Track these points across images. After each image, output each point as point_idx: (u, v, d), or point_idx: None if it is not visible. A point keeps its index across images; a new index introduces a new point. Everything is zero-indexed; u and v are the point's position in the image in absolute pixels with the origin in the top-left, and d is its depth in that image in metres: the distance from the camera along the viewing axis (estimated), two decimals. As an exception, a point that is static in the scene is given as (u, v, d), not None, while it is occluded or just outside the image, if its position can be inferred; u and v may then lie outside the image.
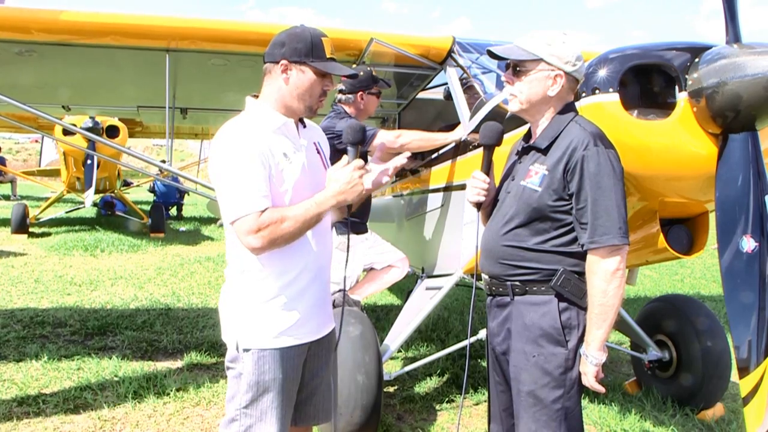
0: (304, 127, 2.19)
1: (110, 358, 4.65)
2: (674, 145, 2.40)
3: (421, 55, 4.21)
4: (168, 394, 4.01)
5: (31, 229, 11.88)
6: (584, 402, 3.90)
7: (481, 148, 2.34)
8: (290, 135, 2.08)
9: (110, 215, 14.90)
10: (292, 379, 2.09)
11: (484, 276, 2.31)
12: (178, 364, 4.66)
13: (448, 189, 4.04)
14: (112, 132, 11.18)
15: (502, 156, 2.40)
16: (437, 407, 3.97)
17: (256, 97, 2.12)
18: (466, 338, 2.73)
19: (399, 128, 5.29)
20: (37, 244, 10.72)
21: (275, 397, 2.02)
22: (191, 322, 5.84)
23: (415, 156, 4.63)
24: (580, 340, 2.09)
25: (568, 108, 2.19)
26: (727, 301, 2.24)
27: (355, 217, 3.84)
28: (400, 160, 2.25)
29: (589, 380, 2.07)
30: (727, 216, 2.24)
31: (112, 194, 14.09)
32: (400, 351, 4.94)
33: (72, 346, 4.99)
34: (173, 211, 16.61)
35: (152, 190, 16.19)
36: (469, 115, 3.86)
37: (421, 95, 5.20)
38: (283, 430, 2.05)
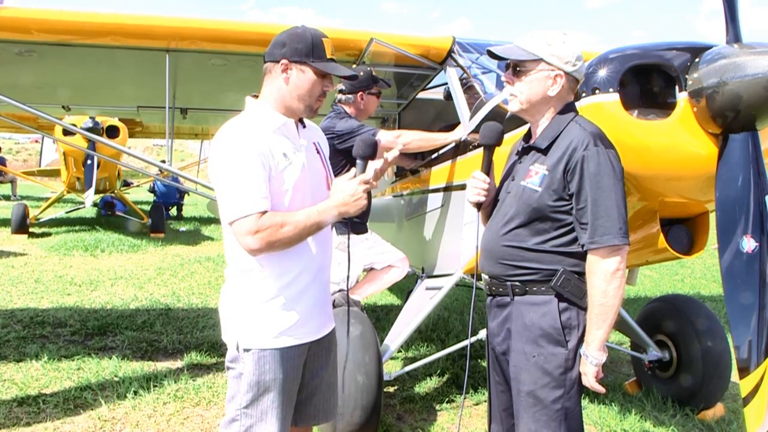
0: (304, 127, 2.19)
1: (110, 359, 4.65)
2: (674, 145, 2.40)
3: (421, 55, 4.21)
4: (168, 394, 4.01)
5: (31, 230, 11.88)
6: (584, 402, 3.90)
7: (481, 148, 2.34)
8: (290, 135, 2.08)
9: (110, 215, 14.90)
10: (293, 379, 2.08)
11: (484, 276, 2.31)
12: (178, 364, 4.66)
13: (448, 189, 4.04)
14: (112, 132, 11.18)
15: (502, 156, 2.40)
16: (437, 407, 3.97)
17: (256, 97, 2.12)
18: (466, 338, 2.73)
19: (399, 128, 5.29)
20: (38, 245, 10.72)
21: (276, 397, 2.02)
22: (191, 322, 5.84)
23: (415, 156, 4.63)
24: (580, 340, 2.09)
25: (568, 108, 2.19)
26: (728, 301, 2.24)
27: (355, 218, 3.85)
28: (393, 154, 2.25)
29: (589, 380, 2.07)
30: (728, 216, 2.23)
31: (112, 194, 14.09)
32: (400, 351, 4.94)
33: (72, 346, 4.99)
34: (173, 212, 16.61)
35: (152, 191, 16.19)
36: (469, 115, 3.86)
37: (421, 95, 5.20)
38: (283, 430, 2.05)
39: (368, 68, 3.97)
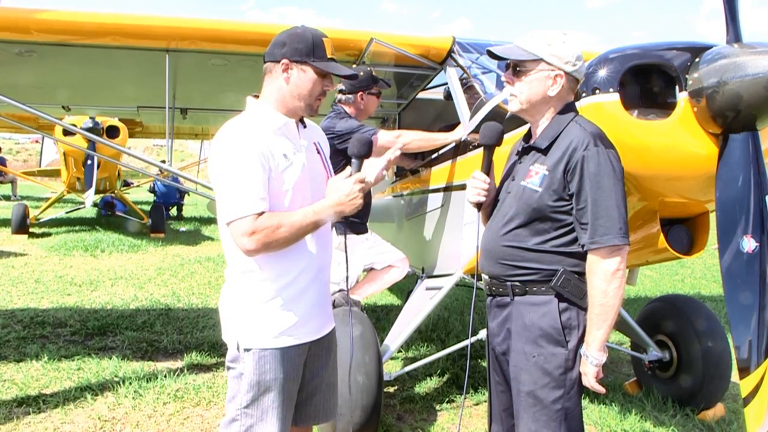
0: (305, 127, 2.19)
1: (110, 359, 4.65)
2: (674, 145, 2.40)
3: (421, 55, 4.21)
4: (168, 394, 4.01)
5: (31, 230, 11.88)
6: (584, 402, 3.89)
7: (481, 148, 2.34)
8: (290, 135, 2.08)
9: (110, 215, 14.90)
10: (293, 378, 2.09)
11: (484, 276, 2.31)
12: (178, 364, 4.66)
13: (448, 189, 4.04)
14: (112, 132, 11.18)
15: (502, 156, 2.40)
16: (437, 407, 3.97)
17: (257, 97, 2.12)
18: (467, 338, 2.73)
19: (399, 128, 5.29)
20: (38, 245, 10.72)
21: (276, 397, 2.02)
22: (191, 322, 5.84)
23: (416, 156, 4.63)
24: (580, 340, 2.09)
25: (569, 108, 2.18)
26: (728, 302, 2.23)
27: (355, 218, 3.83)
28: (393, 153, 2.24)
29: (590, 381, 2.07)
30: (728, 216, 2.23)
31: (113, 194, 14.09)
32: (400, 351, 4.94)
33: (72, 346, 4.99)
34: (173, 212, 16.62)
35: (152, 191, 16.19)
36: (469, 115, 3.86)
37: (421, 95, 5.20)
38: (283, 430, 2.05)
39: (368, 68, 3.97)
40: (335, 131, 3.66)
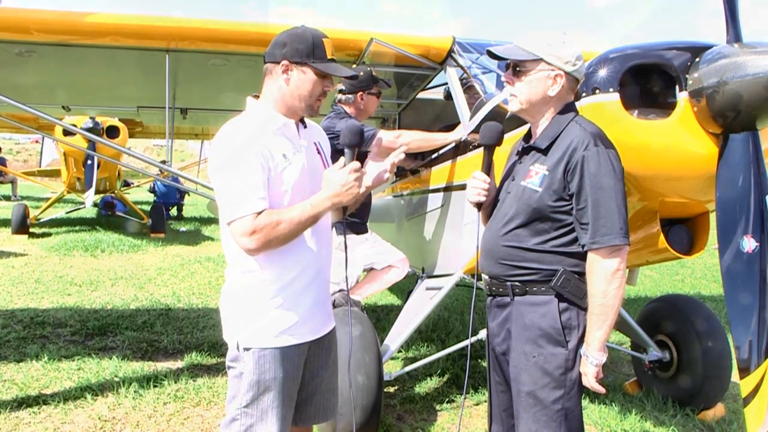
0: (305, 127, 2.19)
1: (110, 359, 4.65)
2: (674, 145, 2.39)
3: (421, 55, 4.21)
4: (168, 394, 4.01)
5: (31, 230, 11.89)
6: (585, 402, 3.89)
7: (481, 148, 2.34)
8: (290, 136, 2.08)
9: (110, 216, 14.91)
10: (293, 378, 2.09)
11: (484, 276, 2.31)
12: (179, 364, 4.66)
13: (448, 189, 4.04)
14: (112, 132, 11.18)
15: (502, 156, 2.40)
16: (437, 407, 3.97)
17: (257, 97, 2.13)
18: (467, 338, 2.73)
19: (399, 128, 5.29)
20: (38, 245, 10.72)
21: (276, 397, 2.03)
22: (191, 322, 5.84)
23: (416, 156, 4.63)
24: (581, 340, 2.09)
25: (569, 108, 2.18)
26: (728, 302, 2.23)
27: (355, 218, 3.85)
28: (398, 156, 2.25)
29: (590, 381, 2.07)
30: (728, 216, 2.23)
31: (113, 195, 14.10)
32: (401, 351, 4.94)
33: (72, 346, 4.99)
34: (173, 212, 16.62)
35: (152, 191, 16.19)
36: (469, 115, 3.86)
37: (421, 95, 5.19)
38: (283, 429, 2.05)
39: (368, 68, 3.97)
40: (335, 131, 3.66)
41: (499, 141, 2.32)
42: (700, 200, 2.72)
